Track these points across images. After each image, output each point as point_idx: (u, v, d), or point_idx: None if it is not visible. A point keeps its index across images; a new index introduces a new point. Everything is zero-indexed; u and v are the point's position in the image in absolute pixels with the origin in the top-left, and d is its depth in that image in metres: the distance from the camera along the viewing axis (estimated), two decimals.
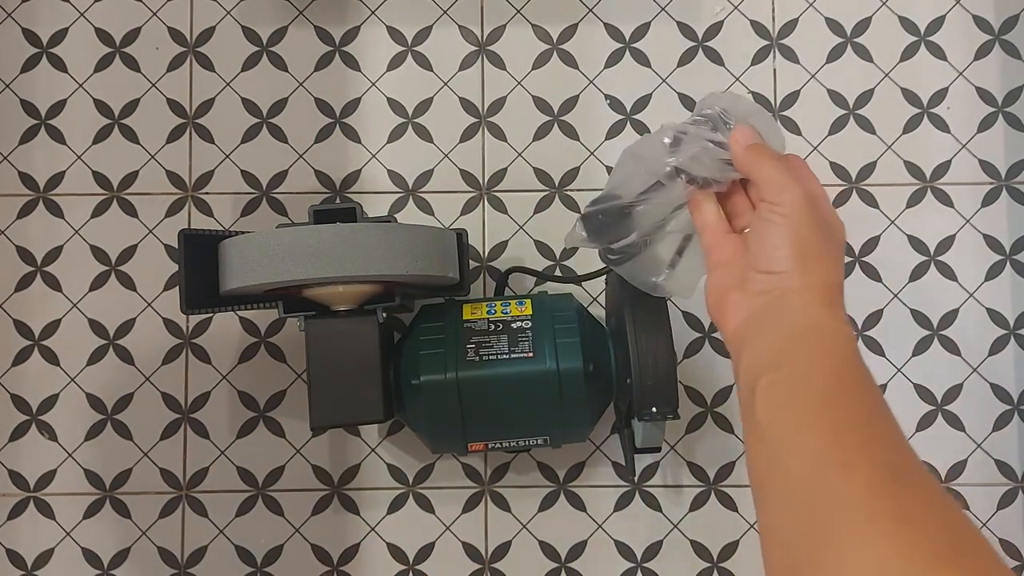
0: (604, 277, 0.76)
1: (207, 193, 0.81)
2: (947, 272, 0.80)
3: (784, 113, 0.81)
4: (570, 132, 0.81)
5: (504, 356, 0.64)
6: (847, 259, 0.80)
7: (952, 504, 0.35)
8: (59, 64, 0.82)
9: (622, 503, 0.78)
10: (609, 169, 0.81)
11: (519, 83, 0.82)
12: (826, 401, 0.39)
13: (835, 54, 0.82)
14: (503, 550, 0.78)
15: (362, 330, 0.63)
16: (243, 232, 0.62)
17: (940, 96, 0.81)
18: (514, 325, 0.65)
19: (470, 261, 0.78)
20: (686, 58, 0.82)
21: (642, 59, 0.82)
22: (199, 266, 0.63)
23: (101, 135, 0.81)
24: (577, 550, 0.78)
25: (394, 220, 0.65)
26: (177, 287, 0.79)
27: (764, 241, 0.44)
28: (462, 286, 0.68)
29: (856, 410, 0.39)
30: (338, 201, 0.80)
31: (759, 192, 0.45)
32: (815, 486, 0.36)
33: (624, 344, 0.62)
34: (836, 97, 0.82)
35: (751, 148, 0.47)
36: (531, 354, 0.64)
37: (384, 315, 0.63)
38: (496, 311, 0.66)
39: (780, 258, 0.43)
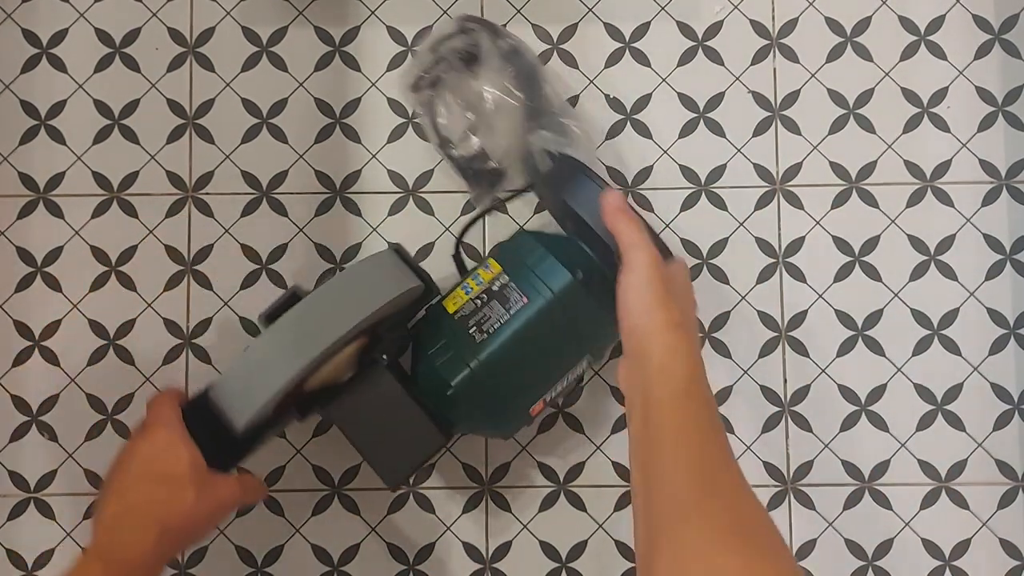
0: (536, 198, 0.79)
1: (207, 193, 0.81)
2: (947, 272, 0.80)
3: (784, 113, 0.81)
4: None
5: (505, 318, 0.64)
6: (847, 259, 0.80)
7: (750, 500, 0.46)
8: (59, 64, 0.82)
9: (622, 503, 0.78)
10: (609, 169, 0.81)
11: None
12: (660, 426, 0.49)
13: (835, 53, 0.82)
14: (503, 550, 0.78)
15: (376, 382, 0.65)
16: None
17: (940, 96, 0.81)
18: (495, 287, 0.66)
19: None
20: (686, 58, 0.82)
21: (642, 59, 0.82)
22: (206, 429, 0.60)
23: (101, 135, 0.81)
24: (578, 550, 0.78)
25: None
26: (177, 288, 0.79)
27: (621, 302, 0.54)
28: (431, 290, 0.68)
29: (686, 431, 0.48)
30: (338, 202, 0.80)
31: (620, 252, 0.55)
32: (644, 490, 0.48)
33: (589, 231, 0.62)
34: (836, 96, 0.82)
35: (618, 210, 0.57)
36: (526, 299, 0.64)
37: (386, 358, 0.65)
38: (472, 288, 0.67)
39: (633, 315, 0.53)
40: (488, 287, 0.66)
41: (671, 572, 0.42)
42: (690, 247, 0.80)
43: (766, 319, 0.80)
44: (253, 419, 0.59)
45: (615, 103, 0.82)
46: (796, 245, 0.80)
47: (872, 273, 0.80)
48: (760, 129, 0.81)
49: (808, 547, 0.78)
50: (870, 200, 0.81)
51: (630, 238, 0.55)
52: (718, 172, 0.81)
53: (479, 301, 0.66)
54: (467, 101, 0.73)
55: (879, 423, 0.79)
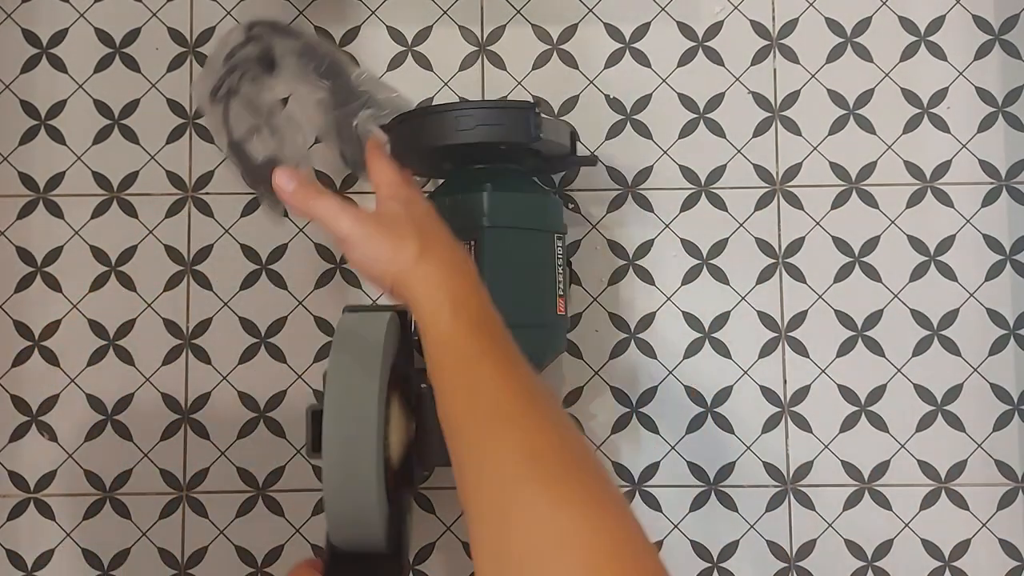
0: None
1: (207, 193, 0.81)
2: (947, 272, 0.80)
3: (784, 113, 0.81)
4: None
5: None
6: (847, 259, 0.80)
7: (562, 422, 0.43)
8: (59, 64, 0.82)
9: None
10: (609, 170, 0.81)
11: (519, 83, 0.82)
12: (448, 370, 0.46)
13: (835, 54, 0.82)
14: None
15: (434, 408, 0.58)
16: None
17: (940, 96, 0.81)
18: None
19: None
20: (686, 58, 0.82)
21: (642, 59, 0.82)
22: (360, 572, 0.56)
23: (101, 135, 0.81)
24: None
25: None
26: (177, 288, 0.79)
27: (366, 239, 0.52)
28: (404, 312, 0.65)
29: (478, 367, 0.45)
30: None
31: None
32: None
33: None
34: (836, 97, 0.82)
35: (370, 155, 0.58)
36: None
37: (425, 385, 0.61)
38: None
39: (373, 254, 0.51)
40: None
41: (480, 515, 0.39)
42: (690, 247, 0.80)
43: (766, 319, 0.80)
44: (384, 527, 0.54)
45: (615, 103, 0.82)
46: (796, 245, 0.80)
47: (872, 273, 0.80)
48: (760, 129, 0.81)
49: (808, 547, 0.78)
50: (870, 200, 0.81)
51: (375, 172, 0.57)
52: (718, 172, 0.81)
53: None
54: (266, 107, 0.72)
55: (879, 423, 0.79)
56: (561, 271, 0.68)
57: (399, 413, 0.58)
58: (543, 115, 0.62)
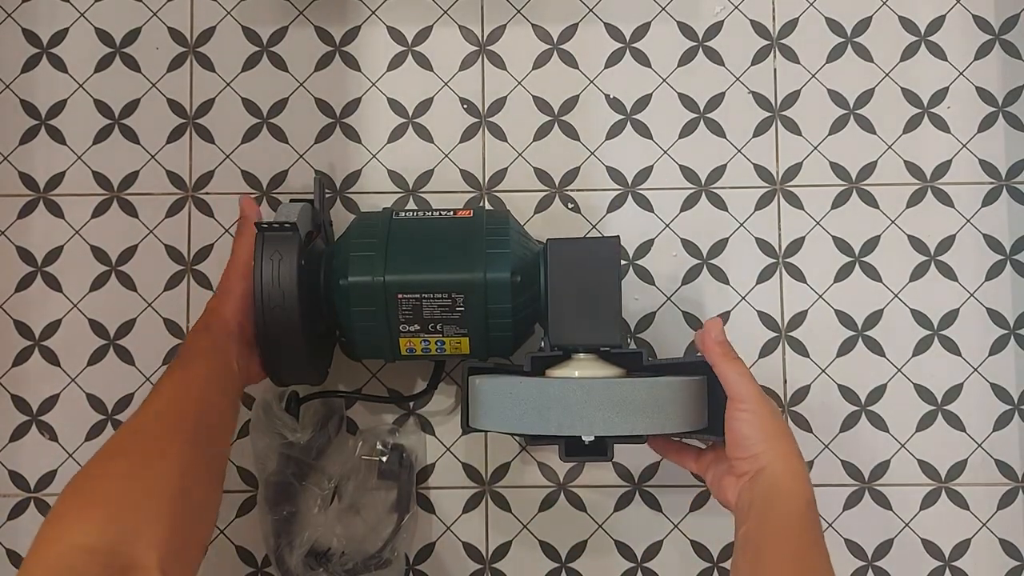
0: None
1: (207, 193, 0.81)
2: (947, 272, 0.80)
3: (784, 113, 0.81)
4: (570, 132, 0.81)
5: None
6: (847, 259, 0.80)
7: None
8: (59, 64, 0.82)
9: (622, 503, 0.78)
10: (609, 169, 0.81)
11: (519, 83, 0.82)
12: (776, 542, 0.54)
13: (835, 54, 0.82)
14: (503, 550, 0.78)
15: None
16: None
17: (940, 96, 0.81)
18: None
19: None
20: (686, 58, 0.82)
21: (642, 59, 0.82)
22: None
23: (101, 135, 0.81)
24: (577, 550, 0.78)
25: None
26: (177, 288, 0.79)
27: (737, 432, 0.57)
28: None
29: (804, 545, 0.55)
30: (338, 202, 0.80)
31: (726, 387, 0.58)
32: None
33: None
34: (836, 97, 0.82)
35: (721, 344, 0.60)
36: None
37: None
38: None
39: (751, 444, 0.57)
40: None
41: None
42: (690, 247, 0.80)
43: (766, 319, 0.80)
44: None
45: (615, 103, 0.82)
46: (796, 245, 0.80)
47: (872, 273, 0.80)
48: (760, 129, 0.81)
49: None
50: (870, 200, 0.81)
51: (737, 370, 0.58)
52: (718, 172, 0.81)
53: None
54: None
55: (879, 423, 0.79)
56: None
57: None
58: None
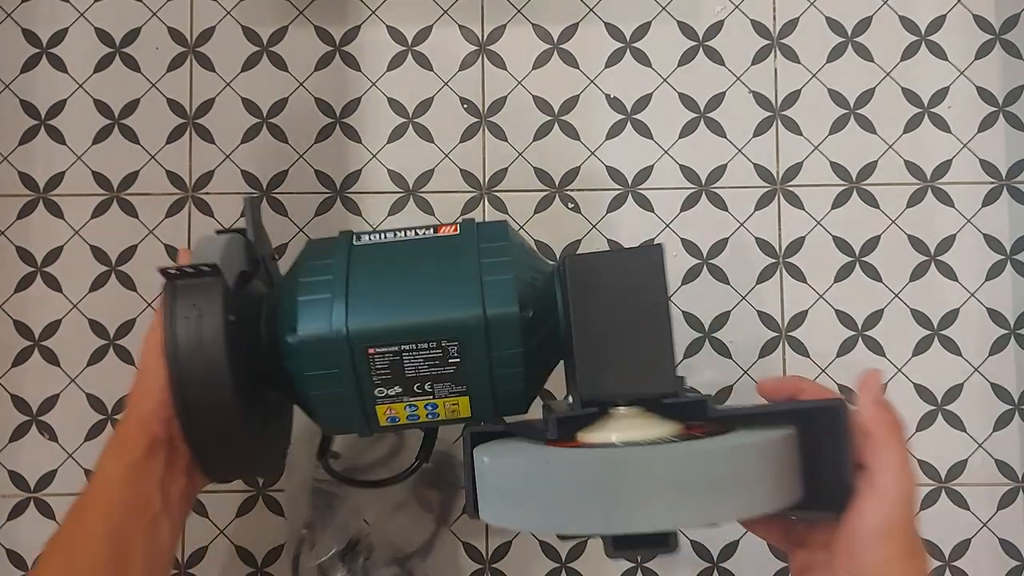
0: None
1: (207, 193, 0.81)
2: (947, 272, 0.80)
3: (785, 113, 0.81)
4: (570, 132, 0.81)
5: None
6: (847, 259, 0.80)
7: None
8: (59, 64, 0.82)
9: None
10: (609, 169, 0.81)
11: (519, 83, 0.81)
12: None
13: (836, 53, 0.82)
14: (503, 550, 0.78)
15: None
16: None
17: (941, 96, 0.81)
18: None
19: None
20: (687, 57, 0.82)
21: (642, 59, 0.82)
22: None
23: (101, 135, 0.81)
24: (577, 550, 0.78)
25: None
26: None
27: (866, 537, 0.42)
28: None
29: None
30: (338, 202, 0.80)
31: (869, 468, 0.44)
32: None
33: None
34: (837, 97, 0.82)
35: (879, 407, 0.47)
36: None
37: None
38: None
39: (877, 559, 0.42)
40: None
41: None
42: (690, 247, 0.80)
43: (766, 319, 0.80)
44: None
45: (615, 103, 0.82)
46: (796, 245, 0.80)
47: (872, 273, 0.80)
48: (760, 129, 0.81)
49: None
50: (870, 200, 0.81)
51: (900, 460, 0.44)
52: (718, 172, 0.81)
53: None
54: None
55: None
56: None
57: None
58: None
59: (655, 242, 0.80)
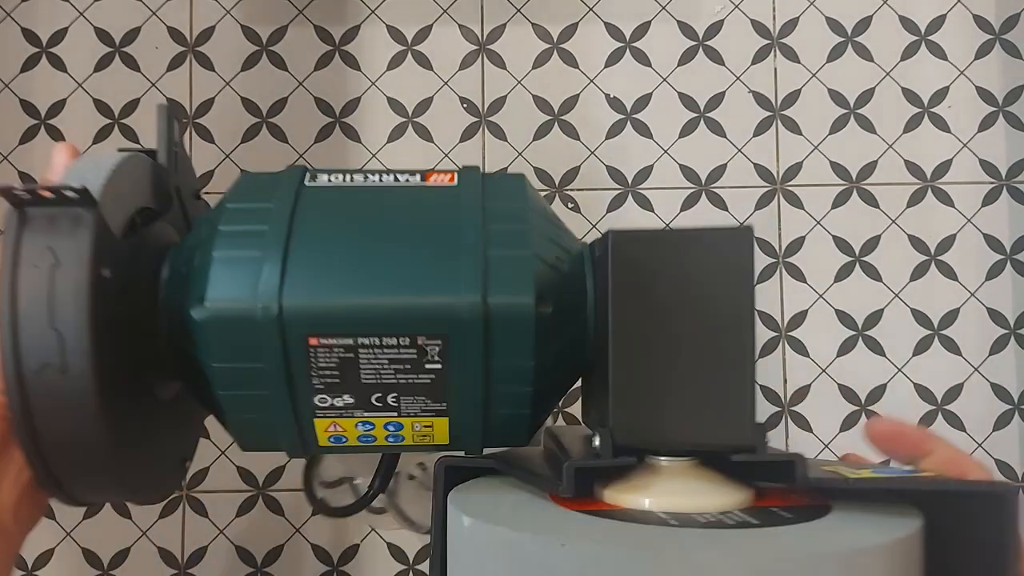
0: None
1: (207, 193, 0.80)
2: (947, 272, 0.80)
3: (784, 112, 0.81)
4: (570, 132, 0.81)
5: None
6: (847, 259, 0.80)
7: None
8: (59, 64, 0.82)
9: None
10: (609, 169, 0.81)
11: (519, 83, 0.81)
12: None
13: (836, 53, 0.82)
14: None
15: None
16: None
17: (941, 95, 0.81)
18: None
19: None
20: (686, 57, 0.82)
21: (642, 58, 0.82)
22: None
23: (101, 135, 0.81)
24: None
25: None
26: None
27: None
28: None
29: None
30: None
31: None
32: None
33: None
34: (837, 96, 0.82)
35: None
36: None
37: None
38: None
39: None
40: None
41: None
42: None
43: (766, 319, 0.80)
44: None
45: (615, 103, 0.82)
46: (796, 245, 0.80)
47: (872, 273, 0.80)
48: (760, 129, 0.81)
49: None
50: (870, 200, 0.81)
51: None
52: (718, 172, 0.81)
53: None
54: None
55: None
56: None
57: None
58: None
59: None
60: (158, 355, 0.35)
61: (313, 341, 0.32)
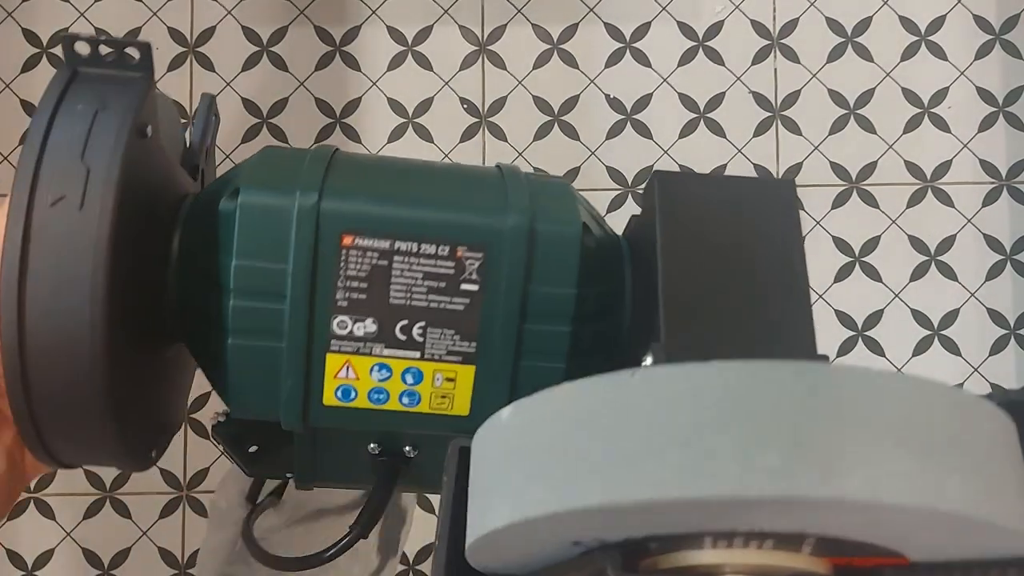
0: None
1: None
2: (947, 272, 0.80)
3: (785, 113, 0.81)
4: (570, 132, 0.81)
5: None
6: (847, 259, 0.80)
7: None
8: (59, 64, 0.82)
9: None
10: (609, 169, 0.81)
11: (520, 83, 0.82)
12: None
13: (836, 54, 0.82)
14: None
15: None
16: None
17: (941, 96, 0.81)
18: None
19: None
20: (686, 58, 0.82)
21: (642, 59, 0.82)
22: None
23: None
24: None
25: None
26: None
27: None
28: None
29: None
30: None
31: None
32: None
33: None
34: (837, 97, 0.82)
35: None
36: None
37: None
38: None
39: None
40: None
41: None
42: None
43: None
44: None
45: (615, 103, 0.82)
46: None
47: (872, 273, 0.80)
48: (760, 129, 0.81)
49: None
50: (870, 200, 0.81)
51: None
52: (718, 172, 0.81)
53: None
54: None
55: None
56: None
57: None
58: None
59: None
60: (165, 314, 0.32)
61: (347, 240, 0.30)
